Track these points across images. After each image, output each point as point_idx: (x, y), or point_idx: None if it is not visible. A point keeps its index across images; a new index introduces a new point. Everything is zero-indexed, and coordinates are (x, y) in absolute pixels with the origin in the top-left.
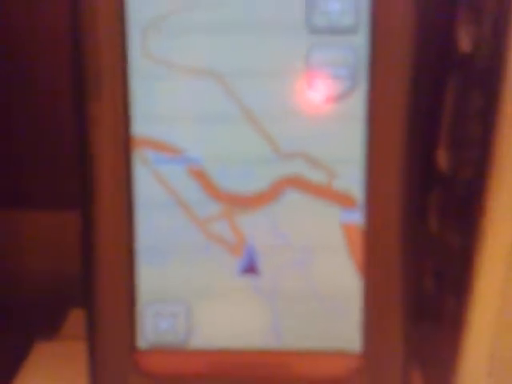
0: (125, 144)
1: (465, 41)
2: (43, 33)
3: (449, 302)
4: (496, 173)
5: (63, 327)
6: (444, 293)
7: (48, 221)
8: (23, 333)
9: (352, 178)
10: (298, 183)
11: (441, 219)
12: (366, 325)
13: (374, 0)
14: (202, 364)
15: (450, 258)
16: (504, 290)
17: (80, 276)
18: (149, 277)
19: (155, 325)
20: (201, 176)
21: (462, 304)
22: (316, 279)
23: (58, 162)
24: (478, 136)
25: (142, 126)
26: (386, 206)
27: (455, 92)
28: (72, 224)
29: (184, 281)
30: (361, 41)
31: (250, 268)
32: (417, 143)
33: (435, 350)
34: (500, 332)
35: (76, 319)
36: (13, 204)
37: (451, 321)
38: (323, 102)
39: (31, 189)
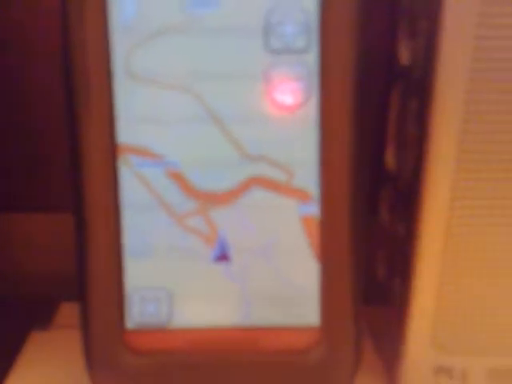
0: (111, 150)
1: (404, 54)
2: (39, 43)
3: (396, 283)
4: (430, 170)
5: (56, 319)
6: (393, 276)
7: (40, 222)
8: (20, 324)
9: (308, 177)
10: (262, 182)
11: (391, 213)
12: (323, 303)
13: (322, 24)
14: (182, 341)
15: (397, 246)
16: (441, 271)
17: (70, 273)
18: (135, 267)
19: (141, 308)
20: (179, 177)
21: (406, 284)
22: (280, 264)
23: (51, 166)
24: (415, 137)
25: (126, 134)
26: (338, 200)
27: (398, 99)
28: (63, 225)
29: (165, 269)
30: (312, 59)
31: (223, 256)
32: (365, 145)
33: (386, 325)
34: (439, 307)
35: (66, 312)
36: (6, 206)
37: (399, 299)
38: (282, 111)
39: (24, 191)
